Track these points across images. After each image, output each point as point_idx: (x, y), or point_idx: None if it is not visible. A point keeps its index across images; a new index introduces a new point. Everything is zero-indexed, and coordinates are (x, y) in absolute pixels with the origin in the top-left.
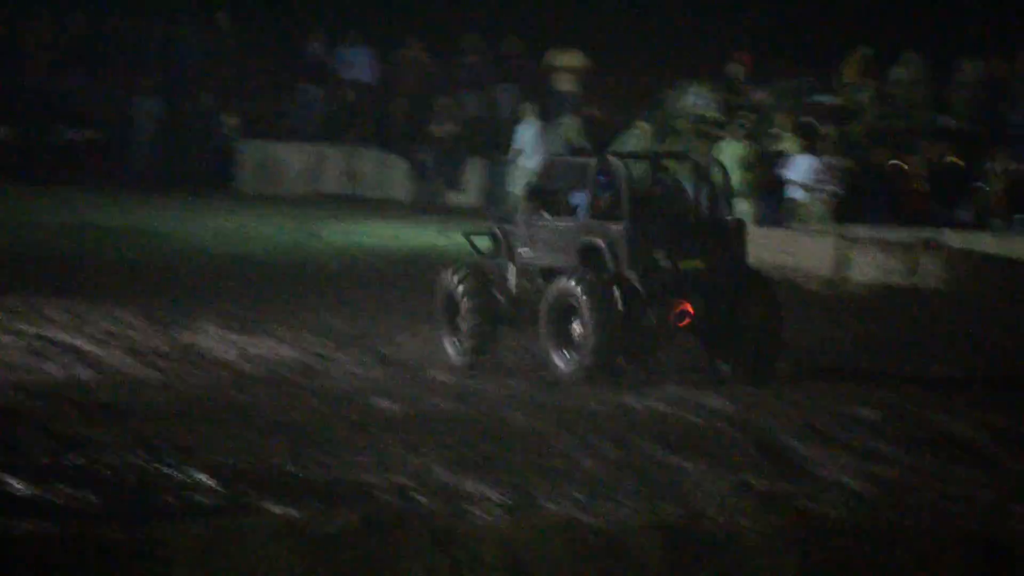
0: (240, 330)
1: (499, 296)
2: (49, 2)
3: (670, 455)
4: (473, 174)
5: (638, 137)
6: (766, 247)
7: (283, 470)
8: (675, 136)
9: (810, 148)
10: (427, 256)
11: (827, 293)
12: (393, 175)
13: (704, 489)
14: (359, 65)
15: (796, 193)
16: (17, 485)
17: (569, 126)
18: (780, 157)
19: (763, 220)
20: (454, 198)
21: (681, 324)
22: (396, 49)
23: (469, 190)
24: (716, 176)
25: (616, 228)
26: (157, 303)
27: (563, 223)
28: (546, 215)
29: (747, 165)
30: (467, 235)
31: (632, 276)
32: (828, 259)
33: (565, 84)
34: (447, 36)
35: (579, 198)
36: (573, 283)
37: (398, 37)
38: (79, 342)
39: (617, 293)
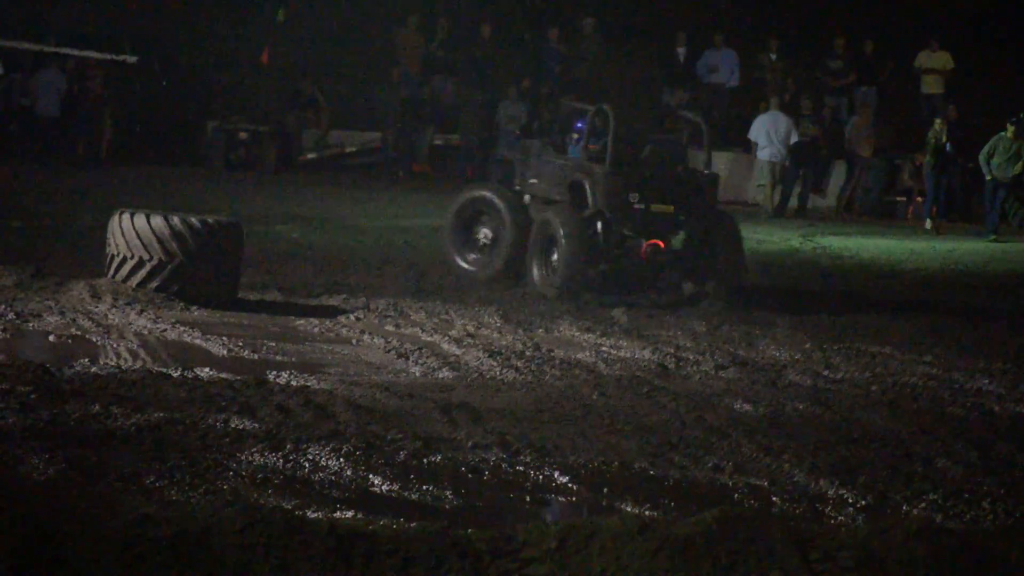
0: (597, 331)
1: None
2: (418, 10)
3: None
4: (837, 177)
5: (1003, 137)
6: None
7: (640, 471)
8: None
9: None
10: (788, 259)
11: None
12: (751, 178)
13: None
14: (723, 68)
15: None
16: (379, 483)
17: (937, 129)
18: None
19: None
20: (816, 201)
21: (656, 257)
22: (758, 53)
23: (830, 194)
24: (707, 137)
25: (600, 169)
26: (513, 304)
27: (561, 160)
28: (552, 152)
29: None
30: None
31: (607, 212)
32: None
33: (932, 87)
34: (811, 39)
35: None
36: (552, 214)
37: (762, 40)
38: (441, 343)
39: (595, 226)
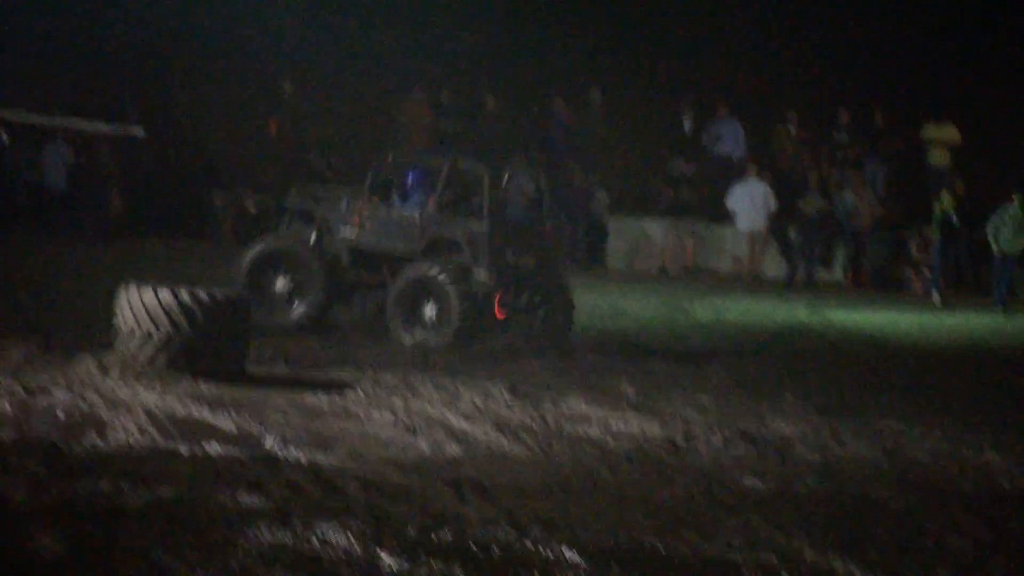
0: (604, 405)
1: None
2: (423, 81)
3: None
4: (843, 250)
5: (1010, 210)
6: None
7: (650, 547)
8: None
9: None
10: (795, 332)
11: None
12: (761, 251)
13: None
14: (729, 139)
15: None
16: (388, 560)
17: (944, 200)
18: None
19: None
20: (823, 275)
21: (500, 310)
22: (764, 123)
23: (835, 267)
24: (544, 189)
25: (477, 225)
26: (520, 377)
27: (409, 212)
28: (393, 202)
29: None
30: (281, 208)
31: (485, 268)
32: None
33: (939, 158)
34: (819, 110)
35: (415, 192)
36: (437, 270)
37: (774, 110)
38: (449, 417)
39: (475, 280)
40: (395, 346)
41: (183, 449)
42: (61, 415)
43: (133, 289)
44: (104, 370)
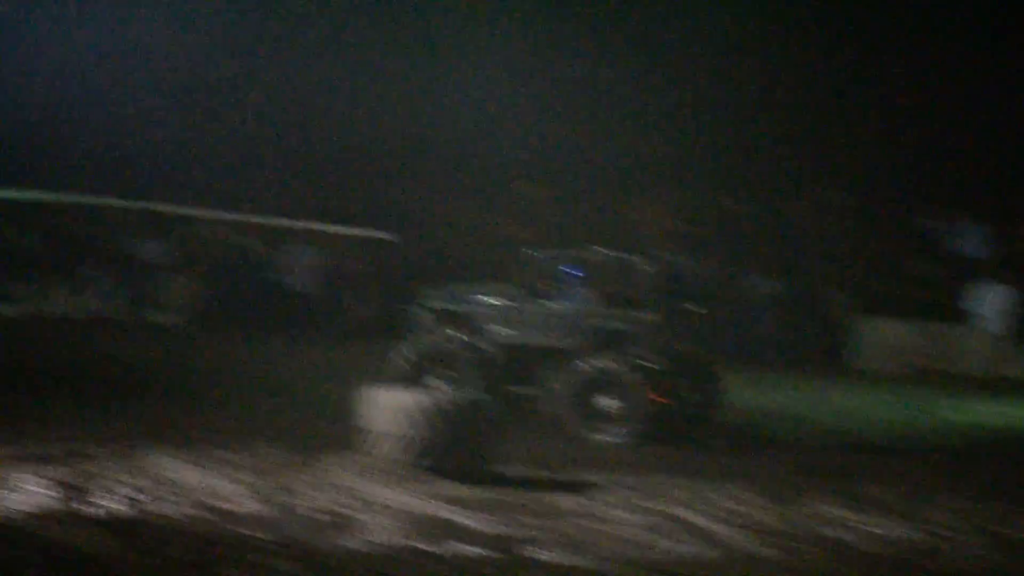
0: (854, 507)
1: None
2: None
3: None
4: None
5: None
6: None
7: None
8: None
9: None
10: None
11: None
12: (1005, 353)
13: None
14: (971, 240)
15: None
16: None
17: None
18: None
19: None
20: None
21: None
22: (1007, 223)
23: None
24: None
25: (648, 317)
26: (773, 479)
27: (568, 307)
28: (547, 298)
29: None
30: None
31: (653, 358)
32: None
33: None
34: None
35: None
36: (620, 364)
37: (1017, 209)
38: (695, 518)
39: (652, 370)
40: (576, 442)
41: (435, 550)
42: (315, 516)
43: (382, 391)
44: (354, 470)
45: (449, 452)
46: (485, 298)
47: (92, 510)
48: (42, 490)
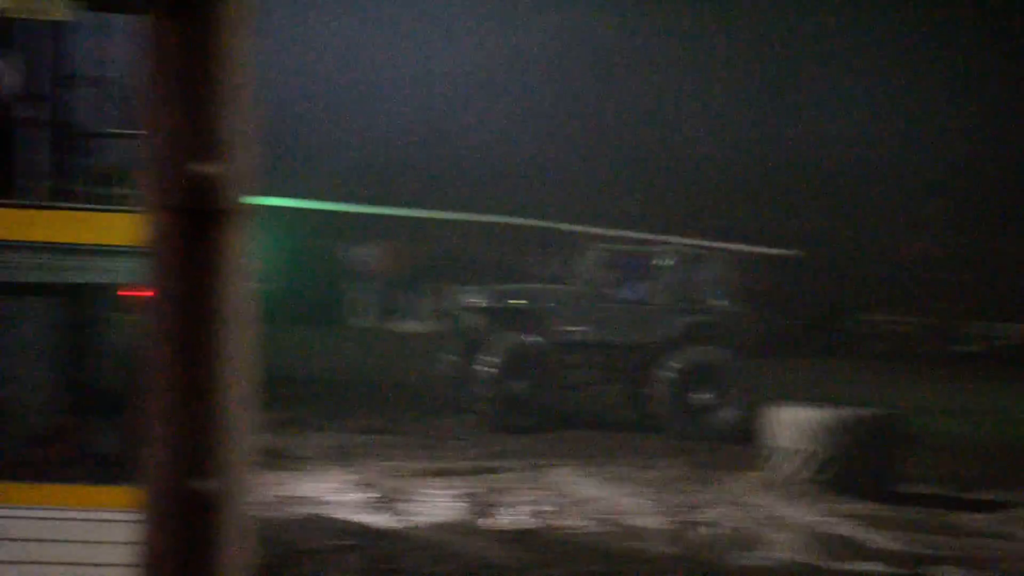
0: None
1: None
2: None
3: None
4: None
5: None
6: None
7: None
8: None
9: None
10: None
11: None
12: None
13: None
14: None
15: None
16: None
17: None
18: None
19: None
20: None
21: None
22: None
23: None
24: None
25: (728, 307)
26: None
27: (647, 301)
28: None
29: None
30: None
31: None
32: None
33: None
34: None
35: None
36: (701, 354)
37: None
38: None
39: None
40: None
41: (837, 567)
42: (716, 531)
43: (787, 409)
44: (753, 486)
45: (851, 469)
46: (553, 295)
47: (498, 522)
48: (451, 503)
